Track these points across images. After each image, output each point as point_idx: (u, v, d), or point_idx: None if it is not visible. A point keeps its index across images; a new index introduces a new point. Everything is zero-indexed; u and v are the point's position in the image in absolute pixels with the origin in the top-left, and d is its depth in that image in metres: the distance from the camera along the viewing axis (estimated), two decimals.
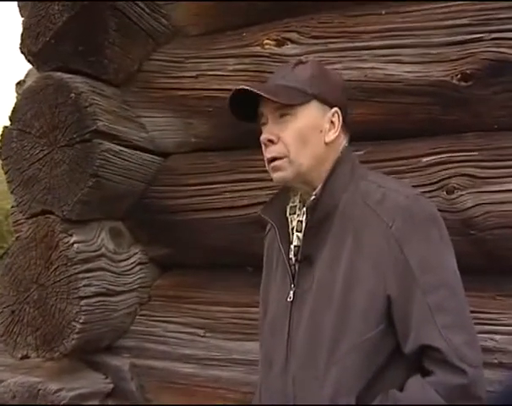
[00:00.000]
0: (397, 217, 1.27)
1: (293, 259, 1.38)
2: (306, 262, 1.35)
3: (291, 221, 1.41)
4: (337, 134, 1.36)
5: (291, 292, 1.36)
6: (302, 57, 1.43)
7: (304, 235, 1.36)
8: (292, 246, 1.39)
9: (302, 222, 1.38)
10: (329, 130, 1.35)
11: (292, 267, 1.38)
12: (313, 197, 1.35)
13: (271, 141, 1.34)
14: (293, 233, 1.40)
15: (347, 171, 1.37)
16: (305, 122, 1.34)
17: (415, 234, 1.26)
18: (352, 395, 1.25)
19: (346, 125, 1.41)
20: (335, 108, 1.36)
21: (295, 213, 1.41)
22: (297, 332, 1.33)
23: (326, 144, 1.35)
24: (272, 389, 1.38)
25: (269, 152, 1.35)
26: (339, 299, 1.28)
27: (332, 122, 1.36)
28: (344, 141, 1.41)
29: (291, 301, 1.36)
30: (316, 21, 1.98)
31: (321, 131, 1.35)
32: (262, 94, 1.32)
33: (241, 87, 1.36)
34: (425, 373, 1.25)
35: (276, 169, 1.35)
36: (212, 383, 2.08)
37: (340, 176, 1.35)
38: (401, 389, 1.26)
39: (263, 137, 1.36)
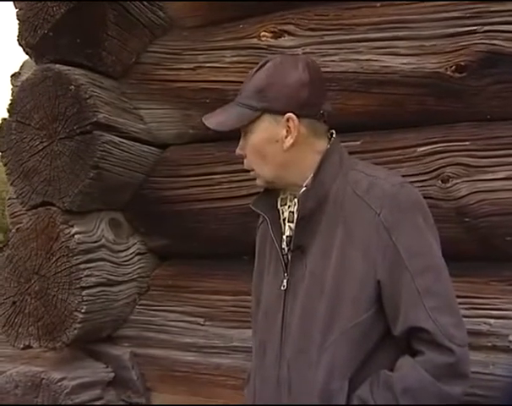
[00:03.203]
0: (385, 205, 1.31)
1: (286, 249, 1.42)
2: (298, 252, 1.39)
3: (283, 212, 1.46)
4: (293, 139, 1.37)
5: (285, 280, 1.40)
6: (267, 58, 1.44)
7: (296, 225, 1.39)
8: (284, 236, 1.43)
9: (293, 212, 1.42)
10: (286, 137, 1.38)
11: (285, 257, 1.42)
12: (304, 188, 1.39)
13: (242, 156, 1.45)
14: (285, 224, 1.44)
15: (336, 161, 1.41)
16: (259, 137, 1.39)
17: (402, 221, 1.31)
18: (345, 378, 1.30)
19: (319, 118, 1.40)
20: (288, 115, 1.36)
21: (286, 204, 1.45)
22: (291, 320, 1.38)
23: (286, 150, 1.38)
24: (267, 376, 1.42)
25: (244, 164, 1.47)
26: (330, 288, 1.33)
27: (288, 128, 1.37)
28: (313, 136, 1.40)
29: (285, 290, 1.40)
30: (312, 13, 2.01)
31: (277, 141, 1.38)
32: (211, 128, 1.43)
33: (204, 118, 1.46)
34: (414, 353, 1.31)
35: (253, 177, 1.46)
36: (213, 371, 2.11)
37: (329, 166, 1.39)
38: (392, 369, 1.31)
39: (236, 152, 1.47)
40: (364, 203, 1.33)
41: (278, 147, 1.38)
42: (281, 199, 1.47)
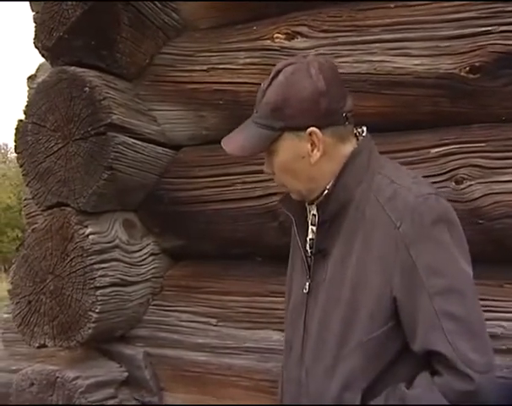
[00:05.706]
0: (405, 218, 1.25)
1: (309, 251, 1.39)
2: (320, 255, 1.36)
3: (310, 211, 1.42)
4: (320, 152, 1.31)
5: (307, 284, 1.38)
6: (277, 66, 1.35)
7: (317, 230, 1.37)
8: (308, 239, 1.40)
9: (315, 215, 1.39)
10: (312, 151, 1.32)
11: (308, 259, 1.39)
12: (326, 192, 1.34)
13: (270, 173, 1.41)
14: (308, 226, 1.41)
15: (363, 163, 1.35)
16: (284, 156, 1.33)
17: (423, 236, 1.24)
18: (359, 390, 1.27)
19: (343, 122, 1.33)
20: (310, 129, 1.30)
21: (313, 203, 1.41)
22: (311, 325, 1.36)
23: (315, 164, 1.33)
24: (291, 376, 1.41)
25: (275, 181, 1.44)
26: (347, 298, 1.29)
27: (312, 142, 1.31)
28: (341, 142, 1.34)
29: (307, 293, 1.38)
30: (326, 15, 2.01)
31: (303, 157, 1.32)
32: (232, 153, 1.37)
33: (222, 143, 1.39)
34: (434, 371, 1.25)
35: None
36: (225, 371, 2.12)
37: (354, 169, 1.34)
38: (411, 382, 1.25)
39: (263, 170, 1.43)
40: (385, 213, 1.27)
41: (305, 162, 1.33)
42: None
